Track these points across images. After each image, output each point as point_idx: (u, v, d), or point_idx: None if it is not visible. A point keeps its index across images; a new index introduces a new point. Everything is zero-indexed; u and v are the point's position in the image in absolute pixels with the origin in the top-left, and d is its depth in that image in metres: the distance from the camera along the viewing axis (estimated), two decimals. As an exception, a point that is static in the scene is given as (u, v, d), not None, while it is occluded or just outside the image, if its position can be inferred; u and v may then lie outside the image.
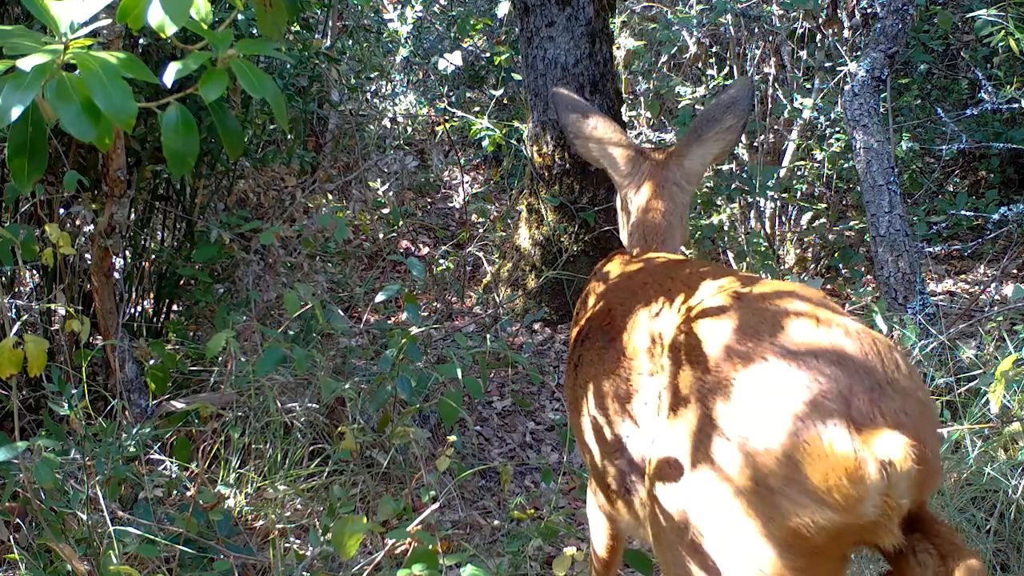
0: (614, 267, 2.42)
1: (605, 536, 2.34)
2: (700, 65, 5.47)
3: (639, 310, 2.02)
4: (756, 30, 5.15)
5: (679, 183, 2.49)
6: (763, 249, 4.79)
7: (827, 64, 5.01)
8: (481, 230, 5.52)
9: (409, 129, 6.95)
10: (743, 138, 5.40)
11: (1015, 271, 5.13)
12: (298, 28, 4.76)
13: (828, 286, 4.97)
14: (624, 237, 2.62)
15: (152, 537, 2.52)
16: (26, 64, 1.31)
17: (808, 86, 5.14)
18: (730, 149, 2.56)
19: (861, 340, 1.58)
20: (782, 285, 1.80)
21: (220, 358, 3.37)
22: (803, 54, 5.14)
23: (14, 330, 2.54)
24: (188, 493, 2.93)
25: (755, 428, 1.53)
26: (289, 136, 5.13)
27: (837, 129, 4.98)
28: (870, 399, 1.49)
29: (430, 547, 2.24)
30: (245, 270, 3.98)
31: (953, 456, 3.00)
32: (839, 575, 1.61)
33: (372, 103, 6.76)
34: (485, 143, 5.27)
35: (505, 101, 6.83)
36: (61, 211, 3.40)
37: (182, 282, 3.98)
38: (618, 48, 5.15)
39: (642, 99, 5.58)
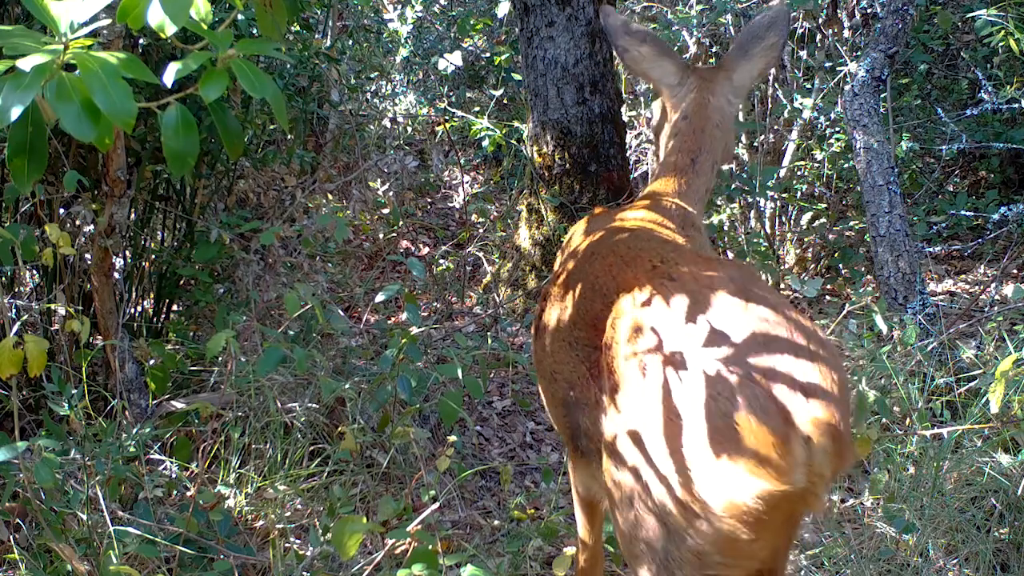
0: (579, 232, 2.50)
1: (581, 492, 2.41)
2: (700, 65, 5.46)
3: (587, 281, 2.14)
4: (756, 30, 5.14)
5: (728, 97, 2.55)
6: (763, 249, 4.79)
7: (827, 64, 5.01)
8: (481, 230, 5.51)
9: (409, 129, 6.95)
10: (743, 138, 5.41)
11: (1015, 271, 5.12)
12: (298, 28, 4.76)
13: (828, 286, 4.97)
14: (661, 152, 2.66)
15: (152, 537, 2.52)
16: (26, 64, 1.31)
17: (808, 86, 5.14)
18: (772, 66, 2.63)
19: (787, 321, 1.69)
20: (711, 263, 1.91)
21: (220, 358, 3.37)
22: (803, 54, 5.14)
23: (14, 330, 2.54)
24: (188, 493, 2.93)
25: (692, 409, 1.63)
26: (289, 136, 5.13)
27: (837, 129, 4.98)
28: (793, 380, 1.59)
29: (430, 547, 2.24)
30: (245, 270, 3.98)
31: (953, 456, 3.00)
32: (784, 542, 1.75)
33: (372, 103, 6.76)
34: (485, 143, 5.27)
35: (505, 101, 6.83)
36: (61, 211, 3.40)
37: (182, 282, 3.97)
38: (618, 48, 5.14)
39: (642, 99, 5.58)
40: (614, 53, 4.81)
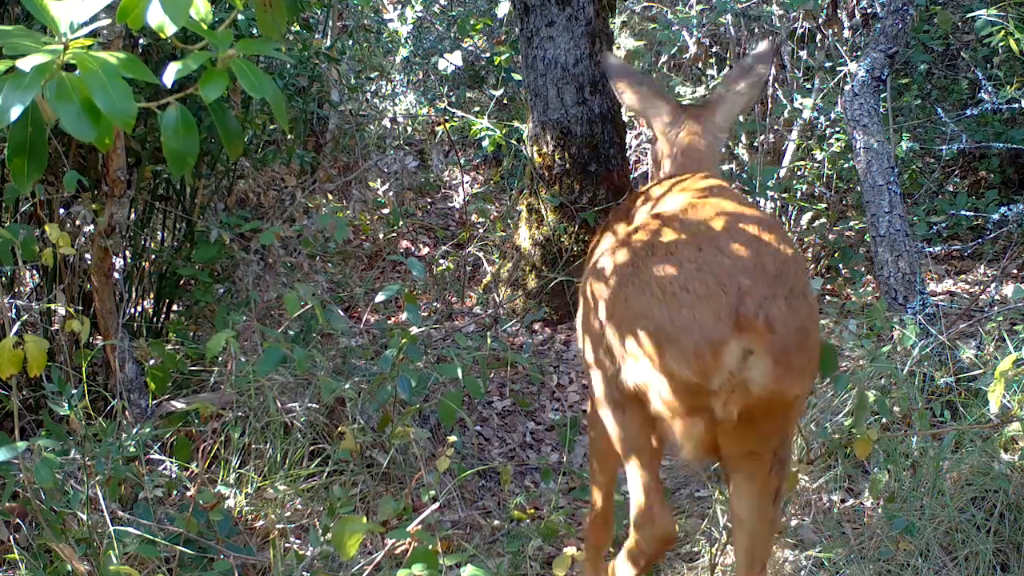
0: (638, 198, 2.75)
1: (602, 443, 2.44)
2: (700, 65, 5.47)
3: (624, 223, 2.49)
4: (756, 30, 5.15)
5: (715, 134, 2.84)
6: (763, 249, 4.78)
7: (827, 64, 5.01)
8: (481, 230, 5.51)
9: (409, 129, 6.95)
10: (743, 138, 5.41)
11: (1015, 271, 5.12)
12: (298, 28, 4.76)
13: (828, 286, 4.97)
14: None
15: (152, 537, 2.52)
16: (26, 64, 1.31)
17: (808, 86, 5.14)
18: (754, 102, 3.11)
19: (783, 260, 1.97)
20: (732, 207, 2.17)
21: (220, 358, 3.37)
22: (803, 54, 5.14)
23: (14, 330, 2.54)
24: (188, 493, 2.93)
25: (675, 300, 1.95)
26: (289, 136, 5.12)
27: (837, 129, 4.98)
28: (761, 302, 1.87)
29: (430, 547, 2.24)
30: (245, 270, 3.98)
31: (953, 456, 3.00)
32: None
33: (372, 103, 6.76)
34: (485, 143, 5.27)
35: (505, 101, 6.82)
36: (61, 211, 3.39)
37: (182, 282, 3.97)
38: (618, 48, 5.15)
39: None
40: (614, 53, 4.82)
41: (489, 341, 3.72)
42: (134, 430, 2.95)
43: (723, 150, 5.16)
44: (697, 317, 1.88)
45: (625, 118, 4.93)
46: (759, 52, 2.93)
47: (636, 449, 2.21)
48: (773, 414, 1.98)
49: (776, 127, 5.28)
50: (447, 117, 6.34)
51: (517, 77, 5.50)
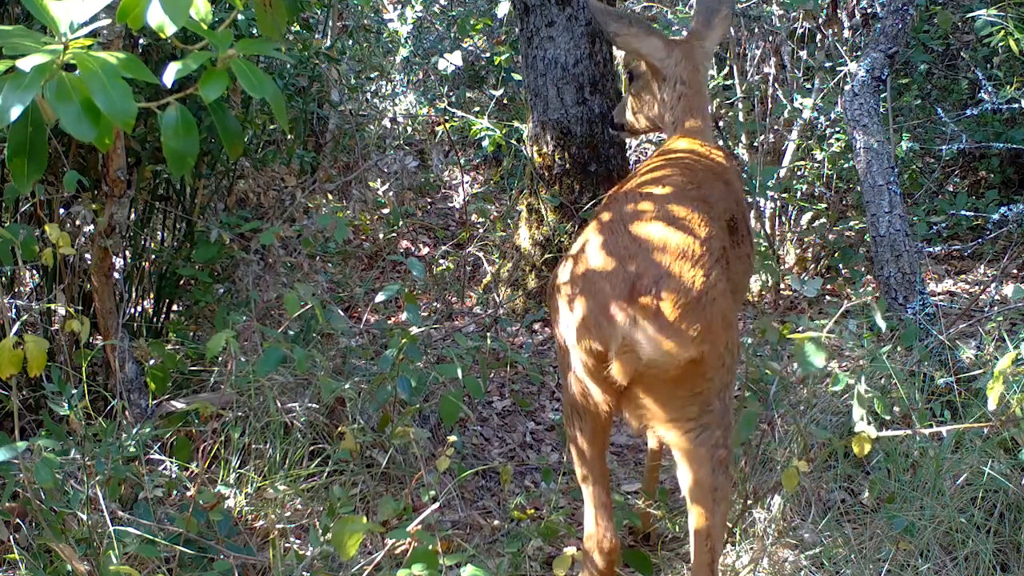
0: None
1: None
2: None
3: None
4: (756, 30, 5.15)
5: (703, 63, 3.18)
6: (763, 249, 4.79)
7: (827, 64, 5.01)
8: (481, 230, 5.51)
9: (409, 129, 6.95)
10: (743, 138, 5.41)
11: (1015, 271, 5.12)
12: (298, 28, 4.76)
13: (828, 286, 4.97)
14: (657, 110, 3.23)
15: (152, 537, 2.52)
16: (26, 64, 1.31)
17: (808, 86, 5.14)
18: (726, 33, 3.51)
19: (690, 241, 2.16)
20: (668, 192, 2.38)
21: (220, 358, 3.37)
22: (803, 54, 5.14)
23: (14, 330, 2.54)
24: (188, 493, 2.93)
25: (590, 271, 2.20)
26: (289, 136, 5.13)
27: (837, 129, 4.98)
28: (657, 278, 2.08)
29: (430, 547, 2.24)
30: (245, 270, 3.98)
31: (953, 456, 3.00)
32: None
33: (372, 103, 6.76)
34: (485, 143, 5.27)
35: (505, 101, 6.82)
36: (61, 211, 3.39)
37: (182, 282, 3.97)
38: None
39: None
40: (613, 51, 4.82)
41: (489, 341, 3.72)
42: (134, 430, 2.94)
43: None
44: (599, 290, 2.12)
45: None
46: None
47: (587, 463, 2.39)
48: (678, 380, 2.14)
49: (776, 127, 5.28)
50: (447, 117, 6.34)
51: (517, 77, 5.50)
